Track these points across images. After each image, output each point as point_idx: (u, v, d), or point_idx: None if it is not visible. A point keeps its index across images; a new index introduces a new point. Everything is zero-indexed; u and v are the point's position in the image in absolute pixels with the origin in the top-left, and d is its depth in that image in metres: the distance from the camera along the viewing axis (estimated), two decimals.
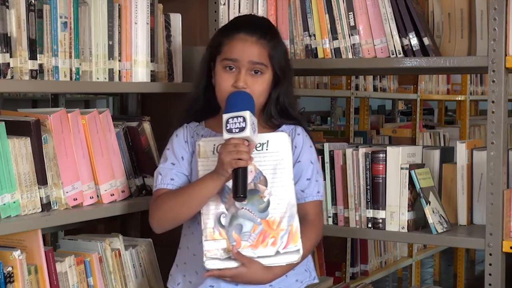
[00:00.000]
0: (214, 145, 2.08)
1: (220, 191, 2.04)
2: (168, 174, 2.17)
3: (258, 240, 2.03)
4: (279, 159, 2.05)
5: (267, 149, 2.06)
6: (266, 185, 2.05)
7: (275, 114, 2.20)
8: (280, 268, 2.06)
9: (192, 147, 2.18)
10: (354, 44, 2.56)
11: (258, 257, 2.03)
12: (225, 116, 1.96)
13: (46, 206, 2.17)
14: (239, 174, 1.96)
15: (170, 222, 2.15)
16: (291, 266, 2.08)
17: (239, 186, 1.96)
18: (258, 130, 2.03)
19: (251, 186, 2.03)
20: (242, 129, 1.94)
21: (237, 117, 1.95)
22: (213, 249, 2.03)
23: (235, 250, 2.01)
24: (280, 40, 2.22)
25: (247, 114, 1.95)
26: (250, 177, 2.02)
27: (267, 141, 2.06)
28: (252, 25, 2.18)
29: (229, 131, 1.95)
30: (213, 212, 2.05)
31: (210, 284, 2.10)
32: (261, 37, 2.13)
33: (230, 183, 2.01)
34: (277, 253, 2.02)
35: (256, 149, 2.04)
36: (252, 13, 2.68)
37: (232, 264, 2.03)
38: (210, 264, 2.03)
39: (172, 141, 2.23)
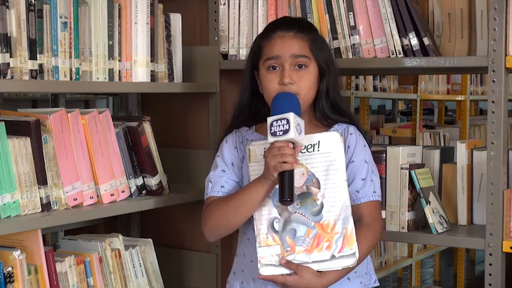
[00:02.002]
0: (265, 148, 2.02)
1: (272, 195, 2.00)
2: (219, 182, 2.15)
3: (312, 245, 1.98)
4: (332, 159, 2.00)
5: (318, 150, 2.01)
6: (319, 188, 2.00)
7: (327, 110, 2.16)
8: (334, 274, 1.99)
9: (242, 153, 2.16)
10: (354, 44, 2.56)
11: (313, 261, 1.97)
12: (269, 120, 1.94)
13: (46, 206, 2.17)
14: (285, 178, 1.91)
15: (222, 229, 2.12)
16: (346, 271, 2.01)
17: (285, 189, 1.91)
18: (311, 130, 2.01)
19: (304, 189, 2.00)
20: (286, 132, 1.91)
21: (280, 119, 1.92)
22: (267, 256, 1.99)
23: (284, 260, 1.97)
24: (318, 34, 2.21)
25: (290, 116, 1.91)
26: (302, 180, 1.98)
27: (318, 141, 2.01)
28: (288, 22, 2.18)
29: (273, 134, 1.92)
30: (266, 217, 2.01)
31: None
32: (299, 31, 2.13)
33: None
34: (333, 257, 1.96)
35: (308, 151, 2.00)
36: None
37: (287, 270, 1.98)
38: (264, 271, 1.99)
39: (222, 148, 2.20)
